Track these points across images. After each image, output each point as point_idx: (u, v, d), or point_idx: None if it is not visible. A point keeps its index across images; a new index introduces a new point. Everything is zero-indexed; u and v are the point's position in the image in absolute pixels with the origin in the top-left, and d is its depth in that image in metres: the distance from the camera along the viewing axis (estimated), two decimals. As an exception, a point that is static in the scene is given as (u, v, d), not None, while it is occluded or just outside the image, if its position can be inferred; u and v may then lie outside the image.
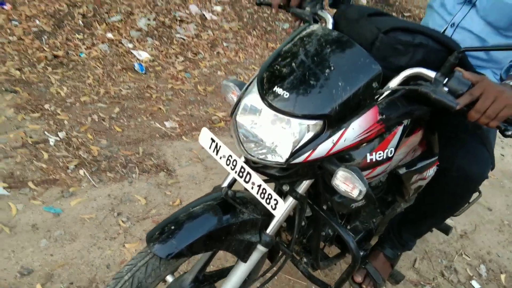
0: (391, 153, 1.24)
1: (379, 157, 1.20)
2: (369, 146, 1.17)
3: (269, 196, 1.08)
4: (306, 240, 1.61)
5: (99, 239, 1.93)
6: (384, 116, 1.08)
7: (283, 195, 1.21)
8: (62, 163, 2.24)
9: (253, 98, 1.05)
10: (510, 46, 1.04)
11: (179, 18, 4.20)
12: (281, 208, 1.08)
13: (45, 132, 2.40)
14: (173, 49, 3.72)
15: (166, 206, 2.19)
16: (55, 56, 3.07)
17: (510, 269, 2.48)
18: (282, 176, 1.12)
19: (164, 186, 2.33)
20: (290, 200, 1.17)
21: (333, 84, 1.01)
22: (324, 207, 1.42)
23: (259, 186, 1.09)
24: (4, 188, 2.01)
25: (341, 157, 1.11)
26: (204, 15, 4.46)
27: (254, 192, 1.11)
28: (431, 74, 1.02)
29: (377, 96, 1.07)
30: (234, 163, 1.13)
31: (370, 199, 1.47)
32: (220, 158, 1.15)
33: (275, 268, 1.42)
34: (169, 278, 1.33)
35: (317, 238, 1.54)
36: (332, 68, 1.02)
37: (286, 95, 1.00)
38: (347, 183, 1.02)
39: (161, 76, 3.30)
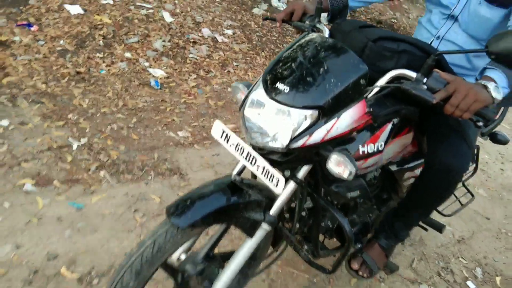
0: (381, 147, 1.42)
1: (370, 149, 1.38)
2: (360, 138, 1.35)
3: (272, 176, 1.25)
4: (307, 230, 1.76)
5: (118, 231, 2.10)
6: (371, 109, 1.26)
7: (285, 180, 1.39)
8: (84, 165, 2.44)
9: (258, 93, 1.25)
10: (477, 50, 1.22)
11: (192, 40, 4.47)
12: (282, 186, 1.24)
13: (69, 138, 2.61)
14: (187, 67, 3.97)
15: (179, 206, 2.35)
16: (78, 72, 3.32)
17: (505, 273, 2.58)
18: (284, 161, 1.30)
19: (177, 187, 2.51)
20: (291, 183, 1.34)
21: (327, 80, 1.20)
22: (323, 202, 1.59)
23: (263, 167, 1.26)
24: (32, 185, 2.20)
25: (335, 145, 1.28)
26: (215, 37, 4.73)
27: (259, 173, 1.28)
28: (413, 74, 1.21)
29: (365, 92, 1.26)
30: (242, 150, 1.31)
31: (363, 190, 1.63)
32: (230, 146, 1.34)
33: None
34: (182, 256, 1.50)
35: (317, 228, 1.70)
36: (326, 67, 1.21)
37: (287, 90, 1.19)
38: (339, 166, 1.19)
39: (175, 92, 3.53)
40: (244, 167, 1.44)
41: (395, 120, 1.47)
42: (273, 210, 1.37)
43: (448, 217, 2.28)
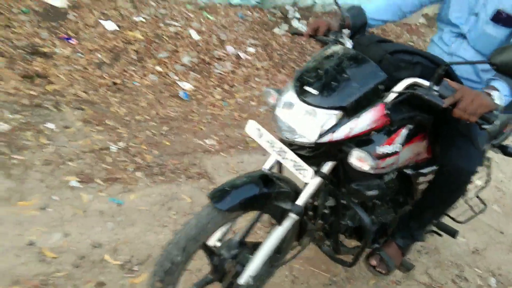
0: (397, 148, 1.59)
1: (388, 150, 1.55)
2: (378, 140, 1.52)
3: (300, 167, 1.43)
4: (328, 227, 1.92)
5: (153, 226, 2.29)
6: (389, 112, 1.44)
7: None
8: (122, 166, 2.65)
9: (290, 96, 1.44)
10: (480, 61, 1.39)
11: (217, 57, 4.72)
12: (310, 176, 1.42)
13: (108, 142, 2.83)
14: (212, 81, 4.21)
15: (208, 206, 2.54)
16: (114, 83, 3.58)
17: (518, 283, 2.68)
18: (311, 156, 1.48)
19: (206, 190, 2.69)
20: (317, 177, 1.52)
21: (350, 85, 1.39)
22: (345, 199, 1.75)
23: (293, 160, 1.45)
24: (77, 181, 2.42)
25: (358, 142, 1.46)
26: (239, 54, 4.98)
27: (289, 166, 1.46)
28: (425, 82, 1.39)
29: (383, 97, 1.44)
30: (274, 145, 1.49)
31: (381, 190, 1.79)
32: (263, 142, 1.53)
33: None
34: (218, 243, 1.67)
35: (337, 225, 1.86)
36: (349, 74, 1.40)
37: (316, 92, 1.38)
38: (360, 160, 1.37)
39: (202, 103, 3.76)
40: (274, 162, 1.62)
41: (410, 126, 1.65)
42: (300, 201, 1.54)
43: (462, 224, 2.41)
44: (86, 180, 2.45)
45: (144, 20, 4.80)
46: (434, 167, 1.94)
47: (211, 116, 3.62)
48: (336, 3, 1.72)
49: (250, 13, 6.31)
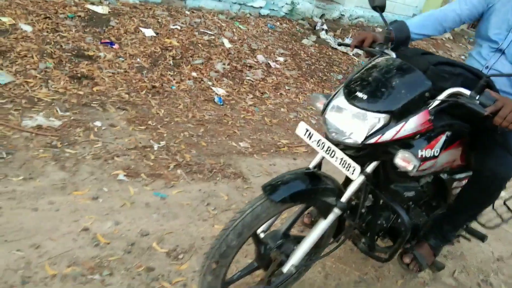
0: (436, 153, 1.70)
1: (427, 154, 1.66)
2: (420, 144, 1.64)
3: (349, 165, 1.55)
4: (365, 225, 2.03)
5: (194, 219, 2.43)
6: (432, 117, 1.56)
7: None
8: (164, 163, 2.82)
9: (340, 100, 1.57)
10: None
11: (248, 65, 4.90)
12: (357, 173, 1.54)
13: (150, 140, 3.01)
14: (244, 88, 4.38)
15: (243, 203, 2.68)
16: (153, 87, 3.77)
17: (543, 292, 2.73)
18: (355, 156, 1.60)
19: (241, 189, 2.84)
20: (361, 176, 1.64)
21: (397, 91, 1.51)
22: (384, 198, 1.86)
23: (342, 158, 1.57)
24: (124, 175, 2.59)
25: (402, 145, 1.58)
26: (269, 63, 5.16)
27: (337, 164, 1.59)
28: (467, 92, 1.51)
29: (428, 104, 1.56)
30: (323, 145, 1.62)
31: (417, 192, 1.91)
32: (312, 142, 1.65)
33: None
34: (262, 234, 1.81)
35: (375, 224, 1.97)
36: (397, 81, 1.53)
37: (365, 97, 1.51)
38: (405, 161, 1.48)
39: (235, 108, 3.92)
40: (319, 161, 1.75)
41: (448, 133, 1.76)
42: (344, 198, 1.66)
43: (490, 229, 2.48)
44: (132, 174, 2.63)
45: (179, 28, 5.03)
46: (469, 173, 2.04)
47: (244, 120, 3.77)
48: (382, 17, 1.86)
49: (279, 24, 6.51)
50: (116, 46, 4.22)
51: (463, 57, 8.36)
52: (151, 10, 5.20)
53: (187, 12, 5.60)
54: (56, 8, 4.40)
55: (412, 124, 1.51)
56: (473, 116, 1.54)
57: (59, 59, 3.67)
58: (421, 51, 1.89)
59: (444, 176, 2.04)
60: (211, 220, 2.47)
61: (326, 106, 1.64)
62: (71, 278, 1.87)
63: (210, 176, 2.86)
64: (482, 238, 2.36)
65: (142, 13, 5.06)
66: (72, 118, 2.98)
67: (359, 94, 1.52)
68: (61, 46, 3.85)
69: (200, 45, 4.87)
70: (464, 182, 2.08)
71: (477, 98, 1.45)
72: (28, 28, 3.90)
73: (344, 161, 1.56)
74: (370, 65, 1.66)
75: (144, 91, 3.66)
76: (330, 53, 6.21)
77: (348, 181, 1.93)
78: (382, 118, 1.49)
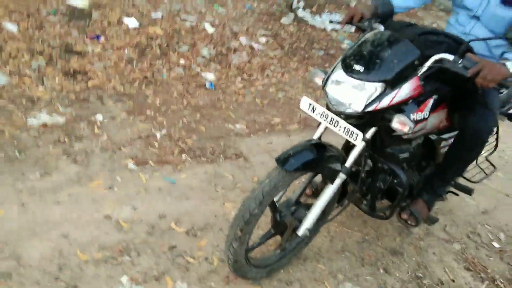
0: (426, 115, 1.89)
1: (418, 117, 1.85)
2: (412, 108, 1.81)
3: (352, 132, 1.73)
4: (366, 188, 2.23)
5: (205, 199, 2.60)
6: (422, 83, 1.74)
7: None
8: (169, 150, 2.95)
9: (339, 74, 1.73)
10: (498, 37, 1.69)
11: (233, 48, 5.00)
12: (360, 138, 1.71)
13: (152, 129, 3.13)
14: (232, 71, 4.49)
15: (248, 181, 2.85)
16: (145, 77, 3.86)
17: (525, 237, 3.01)
18: (357, 124, 1.77)
19: (243, 168, 3.00)
20: (362, 142, 1.81)
21: (390, 61, 1.67)
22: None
23: (345, 127, 1.74)
24: (133, 164, 2.72)
25: (397, 110, 1.75)
26: (252, 45, 5.26)
27: (341, 132, 1.76)
28: (451, 57, 1.68)
29: (418, 70, 1.73)
30: (326, 116, 1.78)
31: (410, 153, 2.11)
32: (316, 114, 1.82)
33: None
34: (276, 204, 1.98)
35: (374, 185, 2.17)
36: (389, 52, 1.69)
37: (362, 69, 1.67)
38: (401, 124, 1.67)
39: (226, 92, 4.05)
40: (323, 132, 1.92)
41: (435, 97, 1.95)
42: (348, 163, 1.84)
43: (476, 183, 2.72)
44: (140, 163, 2.76)
45: (161, 17, 5.07)
46: (454, 132, 2.25)
47: (236, 103, 3.91)
48: (369, -5, 2.01)
49: (257, 4, 6.58)
50: (102, 39, 4.26)
51: (435, 24, 8.59)
52: (130, 0, 5.22)
53: (165, -1, 5.62)
54: (37, 5, 4.39)
55: (405, 90, 1.69)
56: (457, 79, 1.73)
57: (50, 56, 3.71)
58: (406, 23, 2.06)
59: (433, 137, 2.24)
60: (220, 199, 2.63)
61: (326, 80, 1.81)
62: (103, 261, 2.02)
63: (213, 159, 3.01)
64: (469, 191, 2.60)
65: (121, 3, 5.08)
66: (74, 113, 3.07)
67: (356, 67, 1.68)
68: (49, 43, 3.88)
69: (183, 31, 4.93)
70: (450, 141, 2.29)
71: (459, 62, 1.64)
72: (13, 27, 3.91)
73: (347, 129, 1.73)
74: (362, 39, 1.83)
75: (137, 82, 3.75)
76: (309, 30, 6.33)
77: (347, 149, 2.12)
78: (378, 87, 1.66)
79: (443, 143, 2.31)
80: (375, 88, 1.66)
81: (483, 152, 2.70)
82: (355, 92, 1.68)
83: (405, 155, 2.09)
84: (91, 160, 2.67)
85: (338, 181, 1.87)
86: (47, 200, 2.29)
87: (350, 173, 1.87)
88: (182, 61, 4.37)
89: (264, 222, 2.29)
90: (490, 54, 2.14)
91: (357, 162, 1.98)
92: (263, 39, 5.52)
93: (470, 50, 1.81)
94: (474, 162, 2.58)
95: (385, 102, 1.67)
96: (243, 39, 5.29)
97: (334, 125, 1.77)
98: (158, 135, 3.08)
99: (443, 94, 2.01)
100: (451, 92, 2.07)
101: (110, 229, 2.22)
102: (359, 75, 1.67)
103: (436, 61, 1.72)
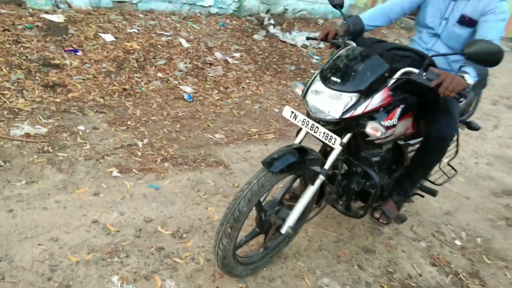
0: (395, 122, 2.10)
1: (388, 123, 2.06)
2: (382, 116, 2.02)
3: (331, 137, 1.91)
4: (341, 190, 2.40)
5: (189, 204, 2.71)
6: (391, 93, 1.95)
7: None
8: (151, 158, 3.05)
9: (318, 85, 1.92)
10: (457, 53, 1.93)
11: (208, 62, 5.17)
12: (338, 143, 1.89)
13: (134, 139, 3.22)
14: (208, 84, 4.65)
15: (228, 187, 2.98)
16: (124, 89, 3.95)
17: (483, 235, 3.27)
18: (334, 129, 1.96)
19: (224, 175, 3.13)
20: (339, 147, 1.99)
21: (363, 74, 1.87)
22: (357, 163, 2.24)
23: (324, 132, 1.92)
24: (117, 172, 2.80)
25: (370, 117, 1.95)
26: (227, 59, 5.45)
27: (320, 137, 1.93)
28: (416, 70, 1.90)
29: (388, 82, 1.94)
30: (307, 123, 1.96)
31: (382, 157, 2.32)
32: (298, 121, 1.99)
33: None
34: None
35: (349, 187, 2.35)
36: (362, 66, 1.89)
37: (339, 81, 1.86)
38: (373, 129, 1.86)
39: (204, 104, 4.19)
40: (303, 137, 2.09)
41: (402, 106, 2.17)
42: (327, 165, 2.02)
43: (439, 185, 2.96)
44: (124, 170, 2.84)
45: (137, 31, 5.18)
46: (420, 139, 2.47)
47: (214, 114, 4.06)
48: (342, 13, 2.24)
49: (229, 21, 6.80)
50: (80, 53, 4.33)
51: (397, 41, 9.10)
52: (105, 15, 5.31)
53: (140, 15, 5.75)
54: (12, 20, 4.42)
55: (377, 99, 1.89)
56: (421, 90, 1.95)
57: (28, 69, 3.75)
58: (376, 40, 2.29)
59: (401, 142, 2.46)
60: (203, 203, 2.75)
61: (306, 91, 1.99)
62: (93, 262, 2.09)
63: (194, 166, 3.13)
64: (433, 193, 2.83)
65: (97, 18, 5.16)
66: (56, 124, 3.13)
67: (333, 78, 1.87)
68: (27, 56, 3.92)
69: (159, 46, 5.06)
70: (416, 146, 2.52)
71: (424, 74, 1.85)
72: (-11, 41, 3.93)
73: (326, 134, 1.91)
74: (338, 54, 2.03)
75: (116, 94, 3.84)
76: (281, 46, 6.60)
77: (324, 154, 2.30)
78: (354, 97, 1.85)
79: (410, 148, 2.54)
80: (351, 97, 1.85)
81: (445, 157, 2.95)
82: (333, 101, 1.86)
83: (377, 158, 2.29)
84: (76, 169, 2.74)
85: (318, 182, 2.03)
86: (35, 206, 2.35)
87: (328, 175, 2.04)
88: (160, 75, 4.49)
89: (246, 225, 2.41)
90: (450, 68, 2.39)
91: (333, 166, 2.16)
92: (237, 54, 5.72)
93: (432, 64, 2.04)
94: (438, 166, 2.83)
95: (359, 110, 1.85)
96: (218, 54, 5.48)
97: (314, 131, 1.94)
98: (140, 144, 3.18)
99: (409, 104, 2.23)
100: (416, 102, 2.29)
101: (99, 233, 2.29)
102: (336, 86, 1.85)
103: (404, 74, 1.93)
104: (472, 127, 2.93)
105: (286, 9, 8.26)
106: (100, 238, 2.26)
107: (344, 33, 2.27)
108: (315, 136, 1.96)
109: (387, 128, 2.03)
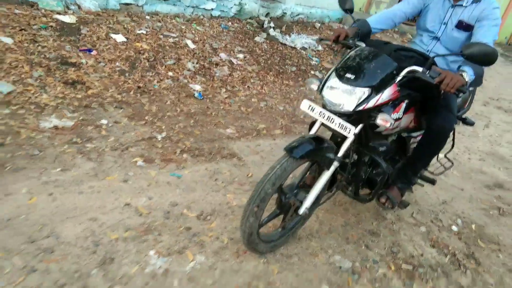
0: (401, 116, 2.35)
1: (395, 116, 2.30)
2: (390, 109, 2.27)
3: (345, 127, 2.14)
4: (351, 177, 2.65)
5: (209, 191, 2.93)
6: (399, 88, 2.19)
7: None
8: (171, 150, 3.27)
9: (333, 81, 2.15)
10: (456, 53, 2.19)
11: (214, 62, 5.40)
12: (353, 132, 2.13)
13: (153, 133, 3.44)
14: (216, 83, 4.88)
15: (244, 177, 3.21)
16: (139, 87, 4.16)
17: (478, 222, 3.54)
18: (348, 121, 2.20)
19: (238, 166, 3.36)
20: (352, 136, 2.23)
21: (375, 71, 2.12)
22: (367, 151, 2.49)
23: (339, 123, 2.16)
24: (142, 161, 3.01)
25: (379, 111, 2.19)
26: (231, 60, 5.68)
27: (336, 127, 2.17)
28: (420, 69, 2.15)
29: (396, 79, 2.18)
30: (323, 115, 2.20)
31: (388, 147, 2.57)
32: (315, 113, 2.23)
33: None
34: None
35: (358, 175, 2.60)
36: (373, 64, 2.14)
37: (353, 77, 2.10)
38: (383, 120, 2.10)
39: (213, 101, 4.42)
40: (319, 128, 2.33)
41: (407, 101, 2.41)
42: (341, 153, 2.26)
43: (437, 176, 3.23)
44: (148, 161, 3.06)
45: (145, 33, 5.39)
46: (421, 132, 2.73)
47: (224, 111, 4.29)
48: (352, 17, 2.48)
49: (231, 24, 7.04)
50: (94, 52, 4.53)
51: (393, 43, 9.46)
52: (114, 17, 5.51)
53: (147, 17, 5.96)
54: (27, 20, 4.60)
55: (387, 94, 2.13)
56: (425, 86, 2.20)
57: (48, 67, 3.94)
58: (383, 42, 2.55)
59: (404, 134, 2.72)
60: (222, 190, 2.97)
61: (322, 86, 2.23)
62: (130, 239, 2.30)
63: (210, 158, 3.35)
64: (432, 182, 3.09)
65: (106, 20, 5.36)
66: (80, 118, 3.33)
67: (348, 75, 2.11)
68: (45, 55, 4.11)
69: (167, 47, 5.28)
70: (418, 138, 2.78)
71: (427, 72, 2.10)
72: (8, 40, 4.11)
73: (341, 124, 2.15)
74: (350, 54, 2.27)
75: (132, 92, 4.05)
76: (281, 48, 6.85)
77: (335, 144, 2.54)
78: (366, 91, 2.09)
79: (412, 140, 2.80)
80: (363, 92, 2.08)
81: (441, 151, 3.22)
82: (347, 96, 2.10)
83: (384, 148, 2.54)
84: (104, 158, 2.95)
85: (332, 168, 2.27)
86: (72, 191, 2.55)
87: (341, 161, 2.28)
88: (170, 73, 4.71)
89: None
90: (448, 68, 2.66)
91: (344, 156, 2.40)
92: (240, 55, 5.96)
93: (434, 63, 2.29)
94: (436, 158, 3.09)
95: (371, 103, 2.09)
96: (223, 55, 5.71)
97: (330, 122, 2.18)
98: (159, 137, 3.40)
99: (412, 99, 2.48)
100: (419, 97, 2.55)
101: (131, 214, 2.50)
102: (350, 82, 2.09)
103: (409, 72, 2.18)
104: (467, 122, 3.19)
105: (285, 13, 8.53)
106: (134, 219, 2.47)
107: (353, 35, 2.52)
108: (330, 127, 2.19)
109: (395, 120, 2.27)
